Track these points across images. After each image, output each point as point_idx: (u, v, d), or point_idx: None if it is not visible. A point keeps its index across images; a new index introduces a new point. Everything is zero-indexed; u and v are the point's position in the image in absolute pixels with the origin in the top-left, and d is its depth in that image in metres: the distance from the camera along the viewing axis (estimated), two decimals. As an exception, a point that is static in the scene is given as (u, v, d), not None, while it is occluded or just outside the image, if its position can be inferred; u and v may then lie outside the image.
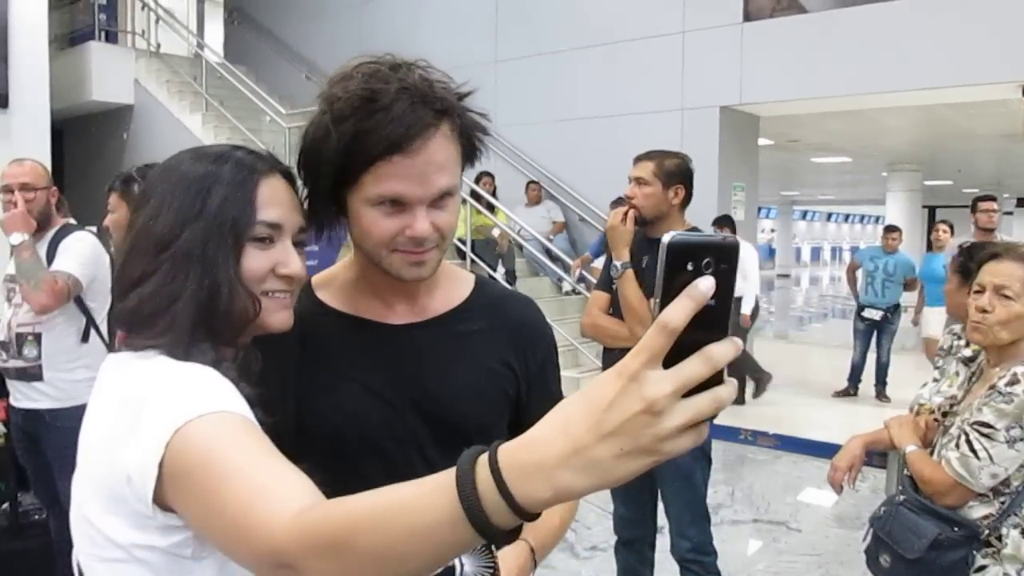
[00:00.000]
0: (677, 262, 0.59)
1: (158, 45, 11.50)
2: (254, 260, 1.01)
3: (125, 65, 10.95)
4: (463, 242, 8.23)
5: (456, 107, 1.10)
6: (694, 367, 0.58)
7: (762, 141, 9.14)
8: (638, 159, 2.86)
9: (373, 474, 0.96)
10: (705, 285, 0.58)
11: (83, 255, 2.95)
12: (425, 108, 1.05)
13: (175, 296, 0.96)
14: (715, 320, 0.59)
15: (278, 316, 1.05)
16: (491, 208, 8.26)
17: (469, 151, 1.14)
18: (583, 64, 8.64)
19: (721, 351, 0.59)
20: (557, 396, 1.32)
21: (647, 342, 0.59)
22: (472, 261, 8.13)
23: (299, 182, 1.11)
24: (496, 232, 8.22)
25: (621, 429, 0.59)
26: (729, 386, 0.60)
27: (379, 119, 1.03)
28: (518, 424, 1.24)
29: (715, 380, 0.60)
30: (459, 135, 1.11)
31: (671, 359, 0.58)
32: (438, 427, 1.19)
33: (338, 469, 1.02)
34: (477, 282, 1.32)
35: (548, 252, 8.32)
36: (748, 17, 7.79)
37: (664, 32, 8.08)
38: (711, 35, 7.93)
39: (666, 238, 0.59)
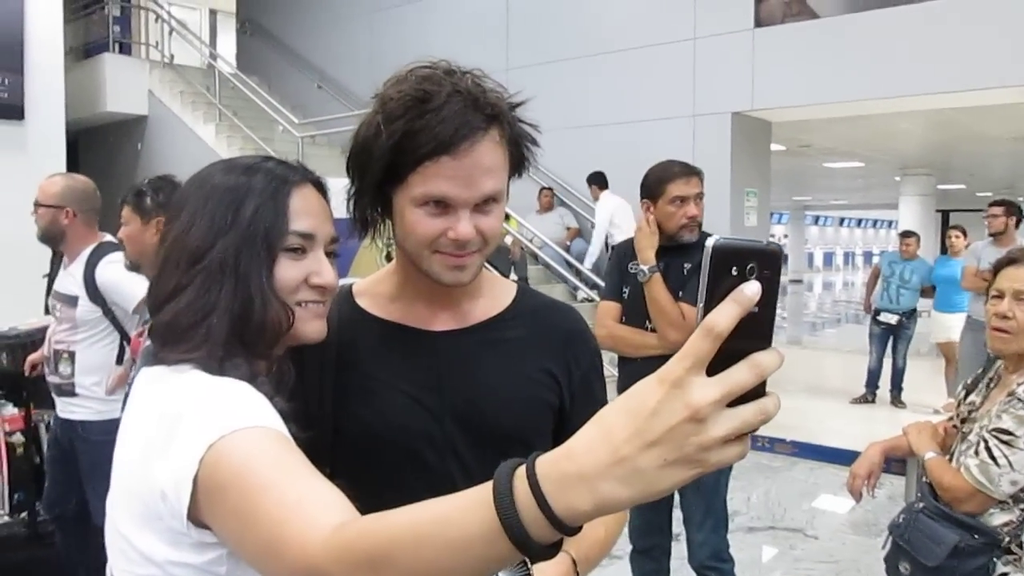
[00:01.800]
0: (722, 266, 0.57)
1: (171, 56, 11.61)
2: (287, 270, 1.01)
3: (139, 76, 11.05)
4: (475, 250, 8.23)
5: (507, 115, 1.11)
6: (741, 375, 0.57)
7: (774, 147, 9.13)
8: (689, 174, 2.84)
9: (411, 483, 1.04)
10: (751, 290, 0.57)
11: (128, 281, 2.92)
12: (475, 112, 1.06)
13: (209, 309, 0.96)
14: (759, 328, 0.58)
15: (312, 326, 1.05)
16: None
17: (517, 160, 1.15)
18: (595, 71, 8.65)
19: (768, 360, 0.58)
20: (602, 405, 1.25)
21: (691, 347, 0.56)
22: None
23: (330, 191, 1.13)
24: (509, 240, 8.23)
25: (665, 437, 0.56)
26: (773, 397, 0.59)
27: (429, 119, 1.04)
28: (562, 434, 1.20)
29: (758, 391, 0.58)
30: (508, 143, 1.12)
31: (713, 368, 0.56)
32: (478, 435, 1.17)
33: (375, 478, 1.08)
34: (519, 290, 1.31)
35: (564, 259, 8.31)
36: (759, 23, 7.78)
37: (676, 39, 8.09)
38: (722, 41, 7.92)
39: (711, 241, 0.58)
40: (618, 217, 7.66)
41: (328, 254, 1.07)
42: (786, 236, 32.29)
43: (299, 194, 1.04)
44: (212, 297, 0.97)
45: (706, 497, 2.92)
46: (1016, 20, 6.43)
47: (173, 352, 0.96)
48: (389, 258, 5.59)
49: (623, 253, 3.00)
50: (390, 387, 1.18)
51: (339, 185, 4.79)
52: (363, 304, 1.25)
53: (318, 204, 1.07)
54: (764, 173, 8.67)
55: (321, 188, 1.10)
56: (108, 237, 3.13)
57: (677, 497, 3.03)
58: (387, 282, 1.26)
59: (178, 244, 1.00)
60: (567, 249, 8.43)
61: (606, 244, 7.65)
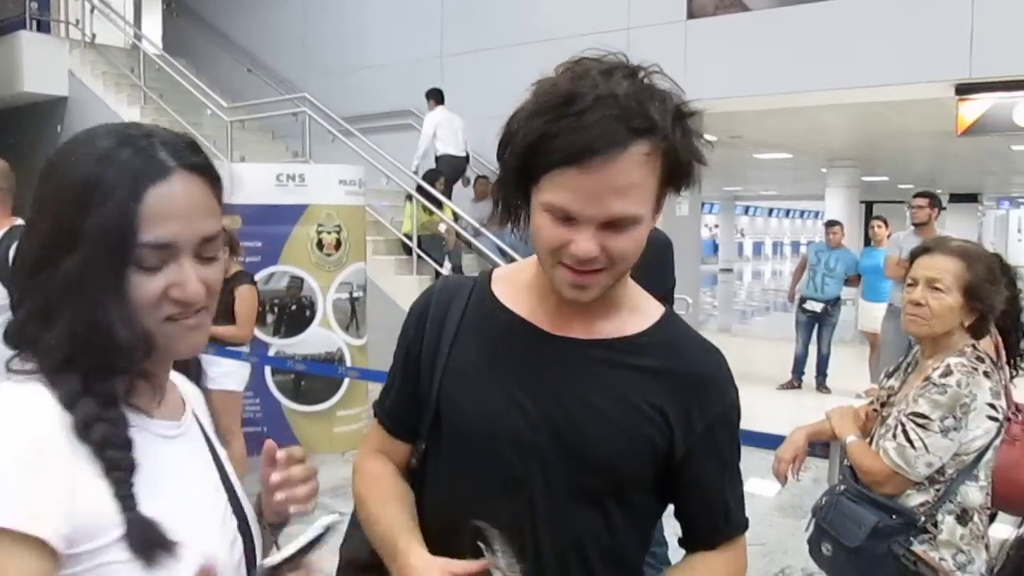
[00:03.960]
0: None
1: (93, 35, 11.19)
2: (141, 288, 0.87)
3: (58, 56, 10.65)
4: (409, 238, 8.17)
5: (665, 128, 0.99)
6: None
7: (706, 137, 9.24)
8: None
9: (489, 477, 1.11)
10: None
11: None
12: (619, 124, 0.96)
13: (50, 326, 0.85)
14: None
15: (186, 342, 0.92)
16: (438, 204, 8.21)
17: (675, 177, 1.04)
18: (529, 60, 8.52)
19: None
20: (728, 463, 1.20)
21: None
22: (419, 257, 8.08)
23: (226, 170, 1.01)
24: (443, 228, 8.17)
25: None
26: None
27: (566, 125, 0.97)
28: (670, 483, 1.17)
29: None
30: (663, 158, 1.01)
31: None
32: (569, 451, 1.10)
33: (459, 463, 1.15)
34: (664, 316, 1.19)
35: (497, 247, 8.30)
36: (692, 15, 7.87)
37: (609, 28, 8.12)
38: (655, 32, 7.99)
39: None
40: (442, 130, 8.42)
41: (207, 259, 0.91)
42: (717, 226, 32.89)
43: (157, 194, 0.86)
44: (53, 314, 0.85)
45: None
46: (940, 17, 6.63)
47: (17, 359, 0.87)
48: (320, 245, 5.52)
49: None
50: (494, 380, 1.14)
51: (269, 171, 4.74)
52: (497, 290, 1.20)
53: (184, 202, 0.89)
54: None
55: (202, 173, 0.92)
56: (19, 221, 3.01)
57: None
58: (526, 271, 1.19)
59: (23, 244, 0.89)
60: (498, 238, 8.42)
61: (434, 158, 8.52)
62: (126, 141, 0.89)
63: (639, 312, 1.18)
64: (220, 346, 4.47)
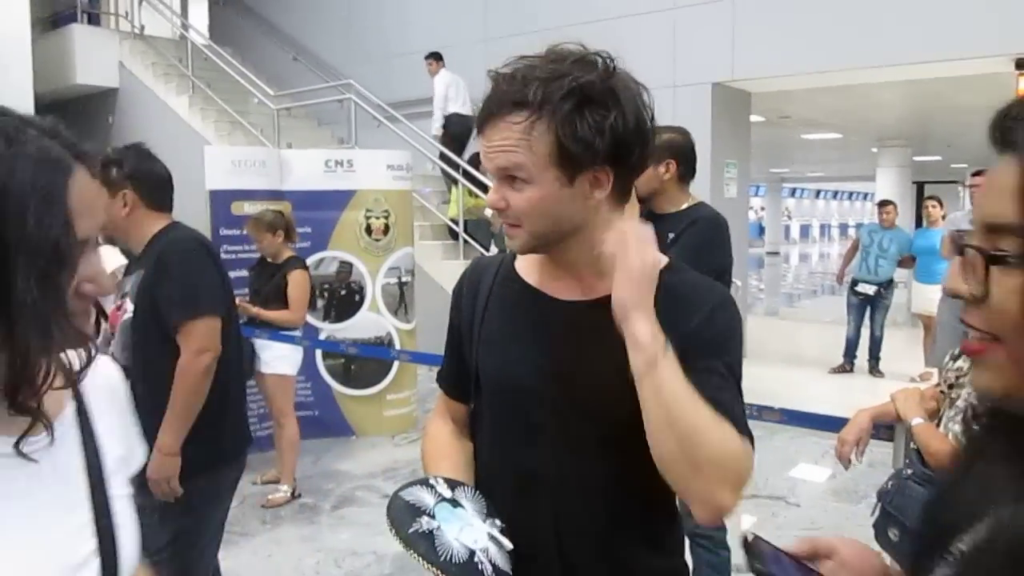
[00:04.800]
0: None
1: (142, 27, 11.36)
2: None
3: (109, 47, 10.82)
4: (455, 222, 8.18)
5: (543, 104, 1.14)
6: None
7: (753, 118, 9.11)
8: None
9: (517, 428, 1.27)
10: None
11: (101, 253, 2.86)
12: (503, 96, 1.17)
13: None
14: None
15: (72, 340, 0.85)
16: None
17: (565, 151, 1.15)
18: (575, 41, 8.55)
19: None
20: (714, 371, 1.18)
21: None
22: (465, 241, 8.09)
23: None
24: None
25: None
26: None
27: (486, 98, 1.21)
28: None
29: None
30: (544, 129, 1.15)
31: None
32: (574, 399, 1.23)
33: (495, 417, 1.33)
34: (666, 267, 1.23)
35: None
36: (739, -8, 7.72)
37: (656, 8, 8.02)
38: (702, 11, 7.86)
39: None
40: (451, 91, 8.80)
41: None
42: (763, 208, 32.43)
43: (75, 189, 0.81)
44: None
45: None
46: (996, -11, 6.41)
47: None
48: (368, 230, 5.55)
49: None
50: (514, 343, 1.31)
51: (318, 157, 4.76)
52: (518, 264, 1.36)
53: (92, 192, 0.84)
54: (744, 144, 8.65)
55: (85, 160, 0.85)
56: None
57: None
58: None
59: None
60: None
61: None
62: (23, 123, 0.81)
63: None
64: (274, 330, 4.53)
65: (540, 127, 1.15)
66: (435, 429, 1.45)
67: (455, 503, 1.17)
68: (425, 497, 1.16)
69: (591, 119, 1.15)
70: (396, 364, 5.81)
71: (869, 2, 6.97)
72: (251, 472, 4.64)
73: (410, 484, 1.20)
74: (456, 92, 8.86)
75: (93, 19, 11.82)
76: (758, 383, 7.15)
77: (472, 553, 1.10)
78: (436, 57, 9.06)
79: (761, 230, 32.17)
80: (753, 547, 0.90)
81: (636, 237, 1.12)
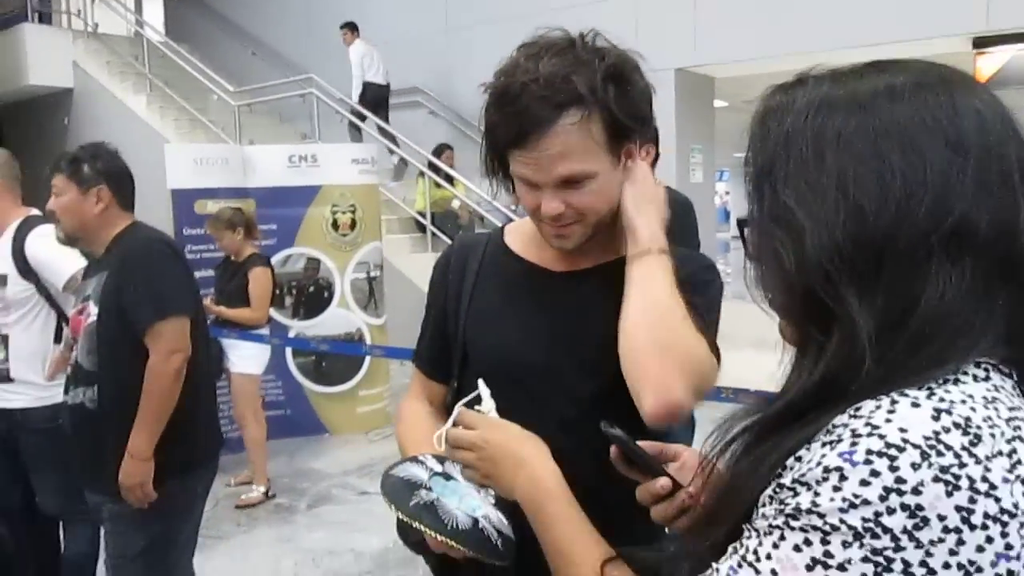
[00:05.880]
0: None
1: (95, 25, 11.13)
2: None
3: (62, 47, 10.59)
4: (423, 215, 8.14)
5: (592, 93, 1.12)
6: None
7: (717, 103, 9.15)
8: None
9: (521, 404, 1.16)
10: None
11: (61, 256, 2.78)
12: (544, 103, 1.11)
13: None
14: None
15: None
16: (450, 180, 8.17)
17: (621, 129, 1.16)
18: (536, 29, 8.52)
19: None
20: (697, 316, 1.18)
21: None
22: (432, 234, 8.05)
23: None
24: (456, 204, 8.13)
25: None
26: None
27: (505, 114, 1.15)
28: None
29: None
30: (600, 118, 1.14)
31: None
32: (580, 366, 1.25)
33: (498, 392, 1.22)
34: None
35: (511, 221, 8.26)
36: (700, -23, 7.74)
37: (616, -5, 8.02)
38: (664, -3, 7.88)
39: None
40: (367, 60, 9.07)
41: None
42: (728, 193, 32.66)
43: None
44: None
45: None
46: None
47: None
48: (335, 225, 5.49)
49: None
50: (511, 318, 1.31)
51: (281, 152, 4.68)
52: (509, 241, 1.37)
53: None
54: (709, 129, 8.69)
55: None
56: (34, 211, 2.97)
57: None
58: (530, 223, 1.33)
59: None
60: (514, 212, 8.38)
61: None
62: None
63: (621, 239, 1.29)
64: (243, 330, 4.47)
65: (595, 116, 1.13)
66: (410, 412, 1.42)
67: (447, 476, 1.16)
68: (418, 472, 1.16)
69: (634, 92, 1.17)
70: (368, 360, 5.76)
71: (828, -15, 7.02)
72: (224, 474, 4.57)
73: (400, 462, 1.19)
74: (371, 62, 9.10)
75: (44, 18, 11.54)
76: (730, 367, 7.22)
77: (475, 520, 1.10)
78: (351, 27, 9.27)
79: (727, 215, 32.42)
80: (610, 429, 0.96)
81: (643, 170, 1.22)
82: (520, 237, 1.37)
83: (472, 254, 1.39)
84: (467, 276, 1.36)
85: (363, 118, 8.81)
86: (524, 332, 1.29)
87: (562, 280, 1.30)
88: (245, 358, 4.53)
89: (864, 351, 0.62)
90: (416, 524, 1.08)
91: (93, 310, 2.30)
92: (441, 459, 1.20)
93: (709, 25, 7.67)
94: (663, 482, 0.92)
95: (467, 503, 1.12)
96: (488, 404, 1.15)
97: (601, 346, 1.20)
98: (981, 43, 6.78)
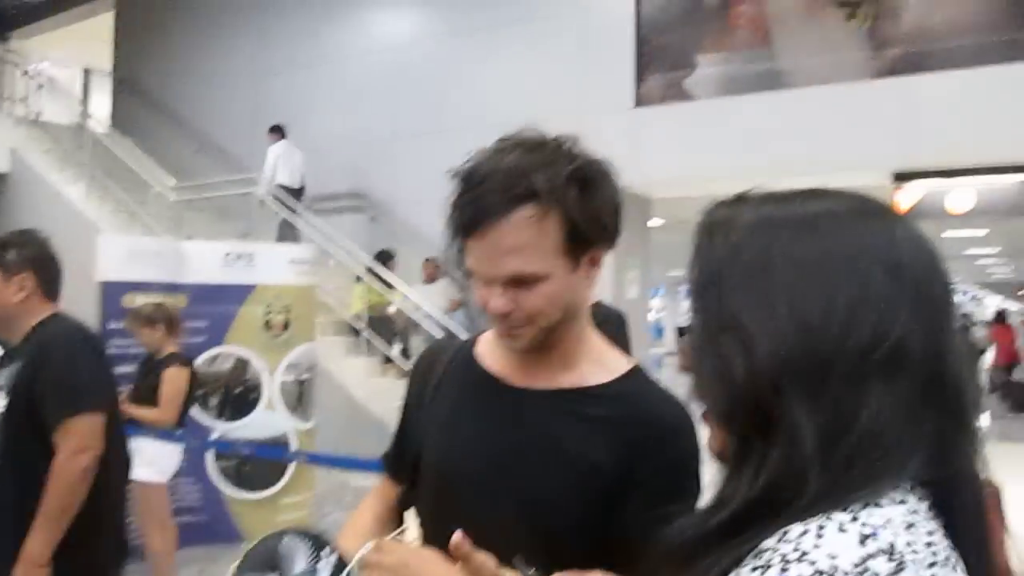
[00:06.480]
0: None
1: (38, 113, 11.07)
2: None
3: (2, 132, 10.47)
4: (359, 318, 8.07)
5: (553, 192, 1.09)
6: None
7: (653, 222, 9.43)
8: None
9: (453, 515, 1.11)
10: None
11: None
12: (501, 194, 1.09)
13: None
14: None
15: None
16: (389, 285, 8.17)
17: (579, 234, 1.13)
18: (481, 142, 8.67)
19: None
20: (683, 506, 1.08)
21: None
22: (367, 339, 7.97)
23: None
24: (392, 309, 8.11)
25: None
26: None
27: (462, 200, 1.12)
28: (614, 525, 1.14)
29: None
30: (558, 219, 1.11)
31: None
32: (512, 491, 1.19)
33: (431, 502, 1.28)
34: (630, 372, 1.26)
35: (447, 330, 8.25)
36: (639, 102, 8.10)
37: (561, 112, 8.30)
38: (605, 118, 8.19)
39: None
40: (281, 162, 9.22)
41: None
42: (664, 309, 33.28)
43: None
44: None
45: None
46: (882, 108, 6.91)
47: None
48: (268, 326, 5.37)
49: None
50: (460, 428, 1.26)
51: (218, 249, 4.63)
52: (478, 349, 1.32)
53: None
54: (645, 247, 8.92)
55: None
56: None
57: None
58: None
59: None
60: (451, 318, 8.39)
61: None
62: None
63: (602, 365, 1.26)
64: (160, 430, 4.27)
65: (552, 216, 1.11)
66: (362, 506, 1.41)
67: None
68: (298, 559, 1.05)
69: (598, 199, 1.15)
70: (292, 465, 5.57)
71: (757, 116, 7.40)
72: (130, 583, 4.31)
73: (305, 534, 1.09)
74: (286, 164, 9.25)
75: (-13, 103, 11.46)
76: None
77: None
78: (276, 130, 9.51)
79: (660, 331, 32.94)
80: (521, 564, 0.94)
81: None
82: (489, 345, 1.32)
83: (439, 360, 1.36)
84: (430, 382, 1.33)
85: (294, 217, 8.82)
86: (468, 443, 1.25)
87: (514, 395, 1.24)
88: (147, 464, 4.06)
89: (806, 462, 0.62)
90: None
91: (2, 401, 2.19)
92: (342, 567, 1.11)
93: (647, 147, 7.97)
94: None
95: None
96: (411, 533, 1.12)
97: (546, 488, 1.16)
98: (900, 177, 7.17)
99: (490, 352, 1.30)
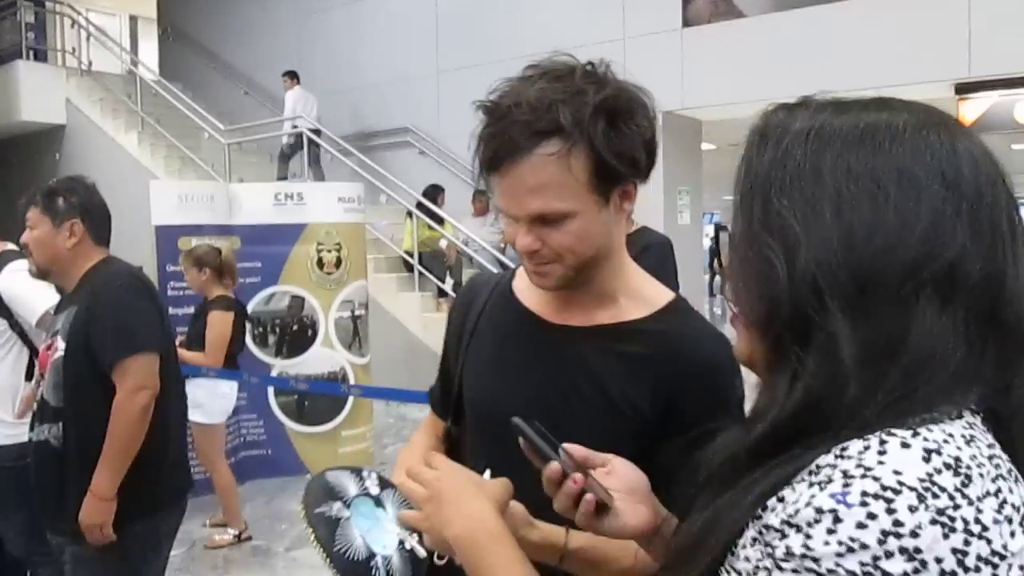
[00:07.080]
0: None
1: (90, 63, 11.21)
2: None
3: (56, 84, 10.66)
4: (410, 255, 8.13)
5: (577, 126, 1.03)
6: None
7: (705, 146, 9.22)
8: None
9: (494, 452, 1.12)
10: None
11: (33, 291, 2.75)
12: (523, 128, 1.03)
13: None
14: None
15: None
16: (439, 220, 8.18)
17: (607, 170, 1.07)
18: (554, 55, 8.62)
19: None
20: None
21: None
22: (420, 274, 8.03)
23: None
24: (443, 244, 8.14)
25: None
26: None
27: (486, 134, 1.07)
28: (656, 464, 1.07)
29: None
30: (585, 154, 1.05)
31: None
32: (562, 426, 1.12)
33: (474, 438, 1.27)
34: (669, 305, 1.21)
35: (500, 263, 8.26)
36: (687, 23, 7.85)
37: (605, 39, 8.10)
38: (651, 41, 7.97)
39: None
40: (300, 107, 9.40)
41: None
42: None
43: None
44: None
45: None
46: (936, 19, 6.60)
47: None
48: (320, 264, 5.44)
49: None
50: (500, 366, 1.24)
51: (267, 190, 4.69)
52: (515, 285, 1.29)
53: None
54: (696, 172, 8.75)
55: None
56: (10, 246, 2.94)
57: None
58: None
59: None
60: (502, 251, 8.39)
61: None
62: None
63: (641, 299, 1.22)
64: (222, 369, 4.37)
65: (577, 152, 1.04)
66: (414, 439, 1.41)
67: (378, 502, 1.12)
68: (349, 485, 1.12)
69: (628, 131, 1.08)
70: (351, 400, 5.70)
71: (811, 32, 7.13)
72: (203, 514, 4.50)
73: (341, 468, 1.16)
74: (303, 109, 9.40)
75: (39, 55, 11.63)
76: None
77: (371, 556, 1.05)
78: (290, 75, 9.62)
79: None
80: (518, 420, 0.92)
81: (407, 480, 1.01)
82: (527, 279, 1.27)
83: (478, 297, 1.33)
84: (469, 319, 1.30)
85: (349, 155, 8.85)
86: (509, 383, 1.22)
87: (555, 334, 1.21)
88: (195, 408, 3.98)
89: (847, 374, 0.60)
90: (309, 532, 1.05)
91: (61, 345, 2.26)
92: (385, 484, 1.15)
93: (695, 69, 7.76)
94: (552, 467, 0.89)
95: (376, 535, 1.08)
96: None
97: (586, 422, 1.14)
98: (963, 89, 6.86)
99: (527, 287, 1.26)
